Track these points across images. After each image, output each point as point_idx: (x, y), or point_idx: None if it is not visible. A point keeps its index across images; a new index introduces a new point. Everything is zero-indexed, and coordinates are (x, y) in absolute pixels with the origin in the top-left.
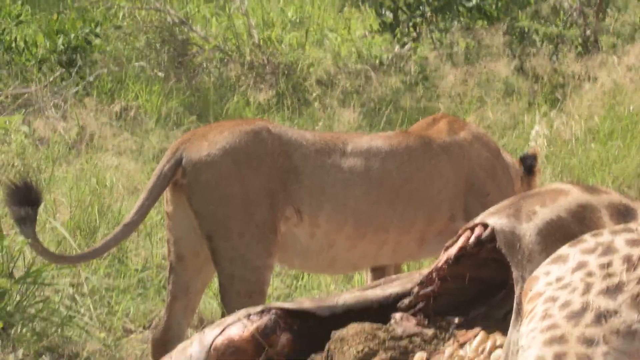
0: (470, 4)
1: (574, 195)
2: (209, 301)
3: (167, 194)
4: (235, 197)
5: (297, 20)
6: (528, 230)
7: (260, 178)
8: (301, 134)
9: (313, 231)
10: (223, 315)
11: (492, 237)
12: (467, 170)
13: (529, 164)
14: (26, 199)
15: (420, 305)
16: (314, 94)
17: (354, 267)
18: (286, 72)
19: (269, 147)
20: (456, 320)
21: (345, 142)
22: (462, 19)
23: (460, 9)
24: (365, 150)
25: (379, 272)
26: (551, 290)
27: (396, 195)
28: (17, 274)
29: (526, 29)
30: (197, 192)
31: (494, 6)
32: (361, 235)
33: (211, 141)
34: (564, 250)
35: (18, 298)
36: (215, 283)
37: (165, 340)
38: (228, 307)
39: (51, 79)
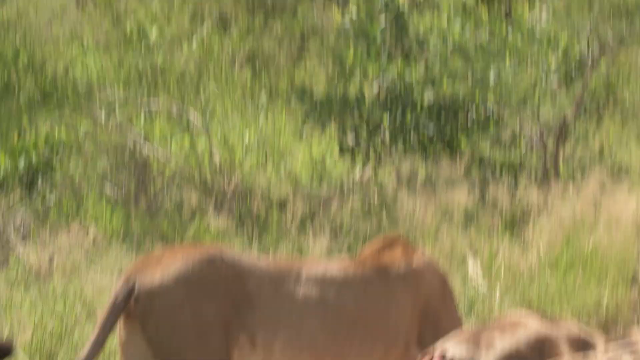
0: (431, 130)
1: (533, 329)
2: None
3: (120, 325)
4: (188, 326)
5: (257, 143)
6: None
7: (214, 306)
8: (255, 261)
9: (267, 358)
10: None
11: None
12: (423, 299)
13: None
14: None
15: None
16: (273, 220)
17: None
18: (246, 196)
19: (223, 275)
20: None
21: (299, 270)
22: (421, 146)
23: (420, 135)
24: (321, 280)
25: None
26: None
27: (354, 326)
28: None
29: (485, 157)
30: (150, 320)
31: (454, 133)
32: None
33: (164, 269)
34: None
35: None
36: None
37: None
38: None
39: (11, 202)
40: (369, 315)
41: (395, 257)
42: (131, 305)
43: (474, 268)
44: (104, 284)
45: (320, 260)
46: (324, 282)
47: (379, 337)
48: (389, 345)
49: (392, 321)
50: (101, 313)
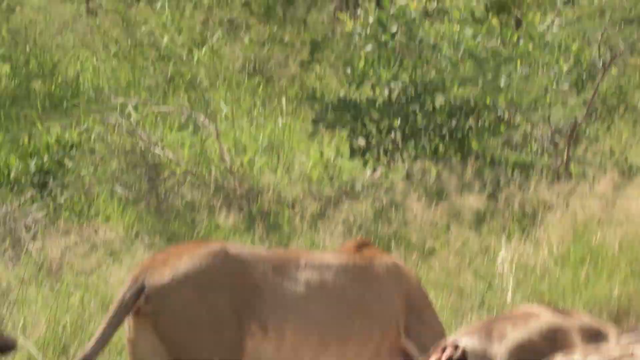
0: (441, 132)
1: (545, 319)
2: None
3: (129, 322)
4: (202, 321)
5: (269, 145)
6: (499, 351)
7: (224, 299)
8: (256, 252)
9: (279, 345)
10: None
11: (463, 357)
12: (405, 290)
13: None
14: None
15: None
16: (284, 219)
17: None
18: (257, 196)
19: (229, 268)
20: None
21: (299, 258)
22: (433, 145)
23: (432, 136)
24: (319, 266)
25: None
26: None
27: (354, 310)
28: None
29: (497, 158)
30: (162, 319)
31: (465, 134)
32: (325, 346)
33: (172, 267)
34: None
35: None
36: None
37: None
38: None
39: (22, 200)
40: (366, 299)
41: (376, 252)
42: (141, 304)
43: (503, 258)
44: (117, 280)
45: (314, 251)
46: (323, 268)
47: (376, 321)
48: (384, 329)
49: (385, 307)
50: (109, 311)
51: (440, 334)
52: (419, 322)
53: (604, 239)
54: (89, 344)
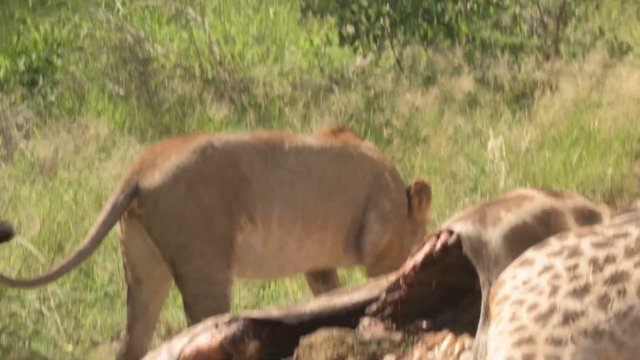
0: (430, 17)
1: (539, 201)
2: (177, 311)
3: (121, 223)
4: (195, 219)
5: (259, 36)
6: (494, 235)
7: (214, 194)
8: (241, 140)
9: (267, 237)
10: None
11: (458, 243)
12: (380, 170)
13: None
14: None
15: (388, 310)
16: (275, 110)
17: (298, 269)
18: (248, 87)
19: (216, 161)
20: (424, 324)
21: (282, 141)
22: (422, 31)
23: (420, 21)
24: (302, 149)
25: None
26: (518, 293)
27: (333, 191)
28: None
29: (486, 40)
30: (156, 221)
31: (454, 18)
32: (308, 234)
33: (162, 168)
34: (529, 254)
35: None
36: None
37: None
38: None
39: (13, 99)
40: (343, 180)
41: (350, 136)
42: (134, 207)
43: (493, 145)
44: (110, 175)
45: (295, 134)
46: (304, 151)
47: (350, 203)
48: (356, 212)
49: (358, 188)
50: (102, 212)
51: (403, 216)
52: (386, 199)
53: (596, 119)
54: (84, 242)
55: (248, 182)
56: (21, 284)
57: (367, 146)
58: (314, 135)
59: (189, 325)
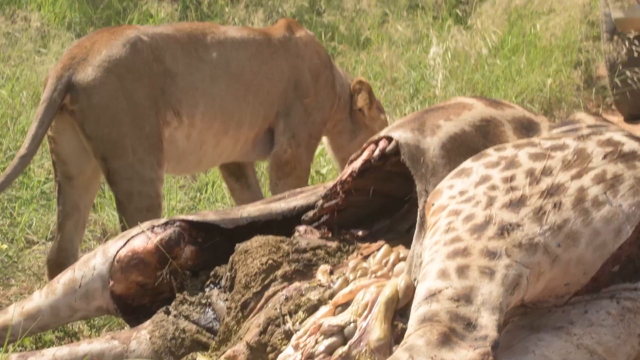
0: None
1: (478, 110)
2: (112, 213)
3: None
4: (125, 115)
5: None
6: (432, 144)
7: (143, 89)
8: (166, 33)
9: (189, 132)
10: (124, 229)
11: (397, 150)
12: (298, 68)
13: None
14: None
15: (325, 218)
16: (217, 7)
17: (212, 165)
18: None
19: (145, 56)
20: (360, 233)
21: (204, 33)
22: None
23: None
24: (223, 41)
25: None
26: (454, 203)
27: (249, 89)
28: None
29: None
30: (89, 116)
31: None
32: (225, 131)
33: (94, 63)
34: (467, 164)
35: None
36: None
37: (60, 259)
38: (129, 222)
39: None
40: (258, 78)
41: (280, 27)
42: (66, 103)
43: (435, 52)
44: (47, 70)
45: (219, 25)
46: (225, 45)
47: (264, 101)
48: (268, 110)
49: (274, 87)
50: (38, 110)
51: (318, 127)
52: (300, 104)
53: (538, 28)
54: (24, 145)
55: (173, 76)
56: None
57: (304, 41)
58: (239, 27)
59: (121, 222)
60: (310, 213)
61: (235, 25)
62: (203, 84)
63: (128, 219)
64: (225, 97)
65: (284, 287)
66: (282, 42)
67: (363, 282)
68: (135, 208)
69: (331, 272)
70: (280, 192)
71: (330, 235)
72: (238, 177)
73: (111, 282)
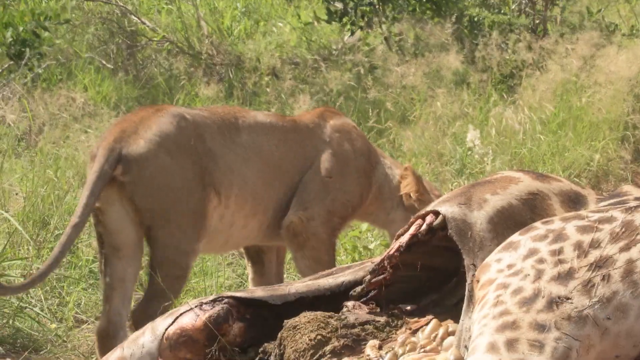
0: None
1: (525, 183)
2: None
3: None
4: (174, 188)
5: (246, 11)
6: (479, 218)
7: (190, 165)
8: (202, 114)
9: (223, 212)
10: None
11: (444, 225)
12: (323, 151)
13: None
14: None
15: (372, 293)
16: (263, 85)
17: (237, 247)
18: (235, 63)
19: (190, 133)
20: (408, 307)
21: (235, 117)
22: (410, 8)
23: None
24: (254, 126)
25: (259, 265)
26: (503, 277)
27: (276, 174)
28: None
29: (475, 18)
30: (140, 188)
31: None
32: (254, 214)
33: (146, 136)
34: (515, 237)
35: None
36: None
37: (109, 332)
38: (151, 287)
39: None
40: (286, 164)
41: (312, 115)
42: (117, 174)
43: (473, 135)
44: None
45: (247, 109)
46: (256, 129)
47: (288, 188)
48: (289, 194)
49: (297, 174)
50: (87, 181)
51: (333, 202)
52: (322, 184)
53: (584, 101)
54: (76, 213)
55: (213, 156)
56: (32, 282)
57: (336, 128)
58: (266, 113)
59: (145, 286)
60: (358, 288)
61: (281, 102)
62: (237, 166)
63: (153, 283)
64: (256, 181)
65: None
66: (311, 129)
67: (412, 357)
68: (164, 274)
69: (380, 347)
70: (300, 265)
71: (378, 310)
72: (255, 261)
73: None
